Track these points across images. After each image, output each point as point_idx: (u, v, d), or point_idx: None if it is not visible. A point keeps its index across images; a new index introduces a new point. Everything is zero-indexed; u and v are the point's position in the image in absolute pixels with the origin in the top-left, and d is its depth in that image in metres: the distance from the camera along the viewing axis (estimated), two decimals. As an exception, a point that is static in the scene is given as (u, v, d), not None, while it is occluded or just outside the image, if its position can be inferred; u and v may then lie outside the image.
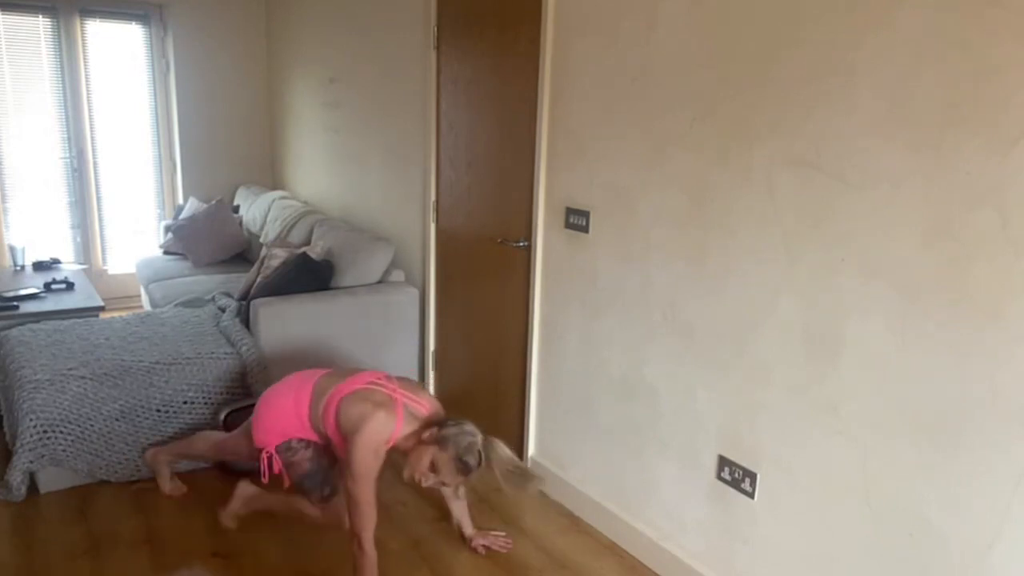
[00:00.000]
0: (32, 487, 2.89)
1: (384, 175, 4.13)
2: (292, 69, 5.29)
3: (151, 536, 2.66)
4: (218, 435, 2.81)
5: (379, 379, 2.46)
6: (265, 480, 2.50)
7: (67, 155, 5.30)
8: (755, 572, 2.24)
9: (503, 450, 2.33)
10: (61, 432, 2.82)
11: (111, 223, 5.58)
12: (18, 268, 4.51)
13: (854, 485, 1.93)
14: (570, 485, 2.93)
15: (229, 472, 3.02)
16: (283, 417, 2.48)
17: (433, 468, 2.31)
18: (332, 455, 2.53)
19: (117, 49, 5.36)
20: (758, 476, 2.19)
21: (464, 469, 2.29)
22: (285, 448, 2.48)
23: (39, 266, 4.54)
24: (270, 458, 2.48)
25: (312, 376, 2.54)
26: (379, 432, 2.29)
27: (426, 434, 2.32)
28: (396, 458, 2.42)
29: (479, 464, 2.30)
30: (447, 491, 2.62)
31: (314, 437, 2.49)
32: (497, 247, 3.20)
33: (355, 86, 4.36)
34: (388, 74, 3.95)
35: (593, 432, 2.80)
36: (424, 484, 2.34)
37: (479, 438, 2.32)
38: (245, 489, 2.66)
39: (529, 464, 3.14)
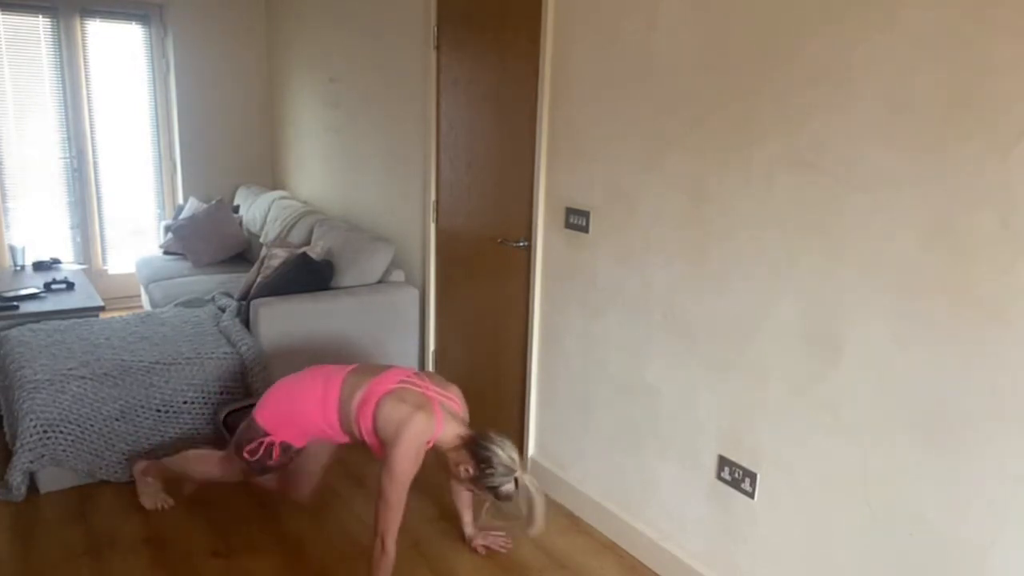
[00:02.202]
0: (32, 487, 2.89)
1: (384, 175, 4.13)
2: (292, 69, 5.29)
3: (151, 536, 2.66)
4: (214, 454, 2.69)
5: (409, 377, 2.44)
6: (249, 460, 2.49)
7: (67, 155, 5.30)
8: (755, 572, 2.24)
9: (536, 494, 2.30)
10: (61, 432, 2.82)
11: (111, 223, 5.58)
12: (18, 268, 4.51)
13: (854, 485, 1.93)
14: (570, 485, 2.93)
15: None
16: (306, 412, 2.45)
17: (471, 489, 2.42)
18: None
19: (117, 49, 5.35)
20: (758, 476, 2.19)
21: (499, 501, 2.35)
22: (285, 448, 2.48)
23: (39, 266, 4.54)
24: (271, 445, 2.47)
25: (338, 373, 2.50)
26: (421, 436, 2.29)
27: (462, 466, 2.33)
28: (434, 455, 2.42)
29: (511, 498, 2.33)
30: (455, 487, 2.62)
31: (343, 437, 2.49)
32: (497, 247, 3.20)
33: (355, 86, 4.36)
34: (388, 74, 3.96)
35: (593, 432, 2.80)
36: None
37: (513, 483, 2.28)
38: (138, 467, 2.82)
39: (529, 464, 3.14)
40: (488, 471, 2.27)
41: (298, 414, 2.47)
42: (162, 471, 2.80)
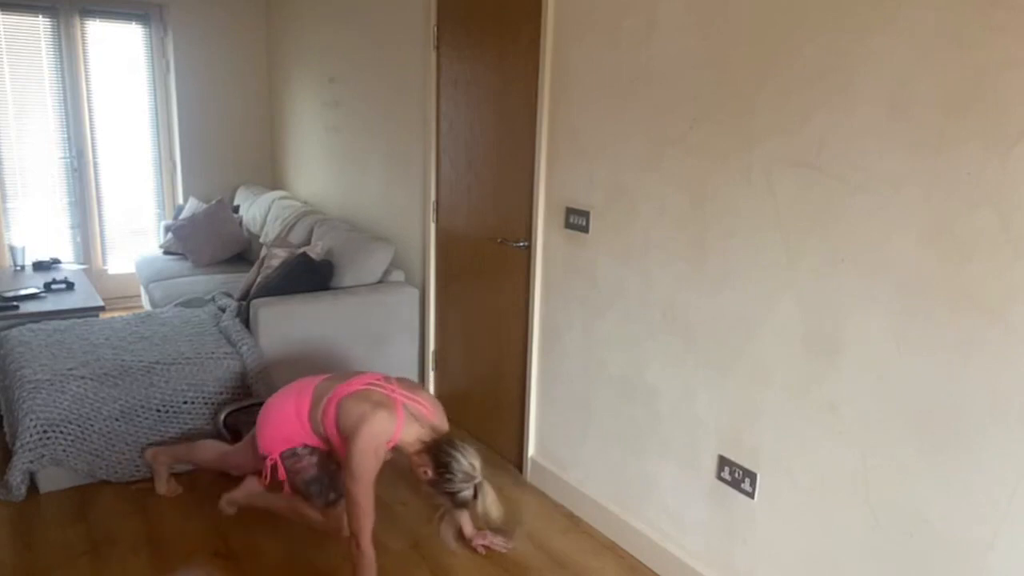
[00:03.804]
0: (32, 487, 2.89)
1: (384, 175, 4.13)
2: (292, 69, 5.29)
3: (151, 536, 2.66)
4: (222, 446, 2.79)
5: (378, 380, 2.47)
6: (265, 485, 2.53)
7: (67, 155, 5.30)
8: (755, 572, 2.24)
9: (492, 505, 2.34)
10: (61, 432, 2.82)
11: (111, 223, 5.58)
12: (18, 268, 4.51)
13: (854, 485, 1.93)
14: (570, 485, 2.93)
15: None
16: (285, 423, 2.48)
17: (430, 493, 2.42)
18: (336, 461, 2.52)
19: (117, 49, 5.36)
20: (758, 476, 2.19)
21: (455, 507, 2.39)
22: (290, 454, 2.48)
23: (39, 266, 4.54)
24: (274, 465, 2.47)
25: (312, 381, 2.54)
26: (379, 432, 2.30)
27: (421, 468, 2.34)
28: (398, 457, 2.42)
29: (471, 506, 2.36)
30: None
31: (317, 442, 2.49)
32: (497, 247, 3.20)
33: (355, 86, 4.36)
34: (388, 74, 3.96)
35: (593, 432, 2.80)
36: None
37: (471, 491, 2.30)
38: (253, 484, 2.70)
39: (529, 465, 3.14)
40: (447, 476, 2.28)
41: (279, 427, 2.49)
42: (172, 455, 2.84)
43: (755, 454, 2.19)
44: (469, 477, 2.28)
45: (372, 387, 2.42)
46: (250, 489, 2.70)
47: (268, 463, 2.48)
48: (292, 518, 2.62)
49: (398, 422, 2.33)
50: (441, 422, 2.47)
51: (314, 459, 2.49)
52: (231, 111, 5.69)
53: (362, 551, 2.28)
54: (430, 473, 2.32)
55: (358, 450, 2.27)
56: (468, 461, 2.29)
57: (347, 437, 2.33)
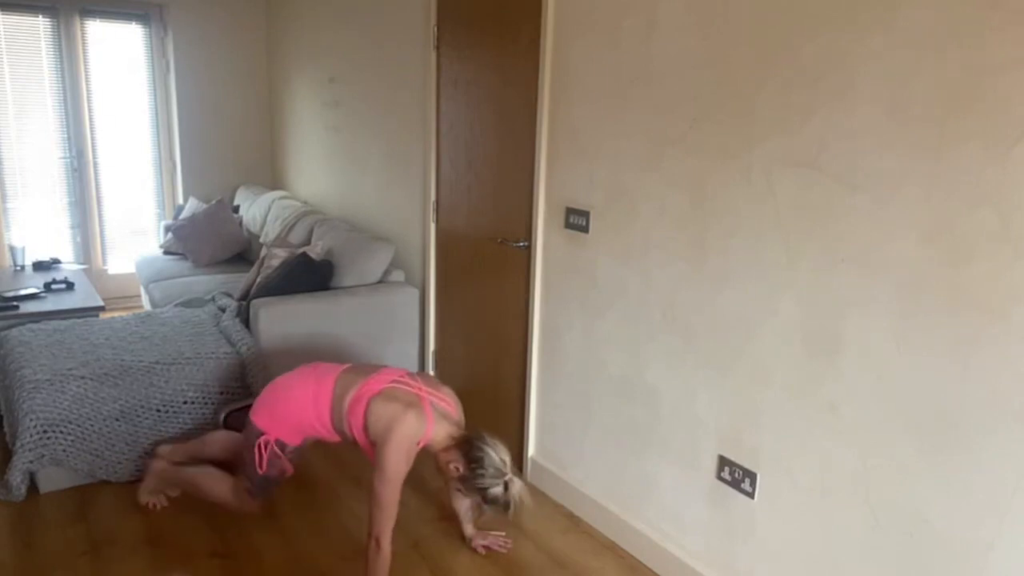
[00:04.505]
0: (32, 487, 2.89)
1: (384, 175, 4.13)
2: (292, 69, 5.29)
3: (151, 536, 2.66)
4: (229, 437, 2.76)
5: (402, 377, 2.45)
6: (262, 468, 2.49)
7: (67, 155, 5.30)
8: (755, 572, 2.24)
9: (522, 496, 2.34)
10: (61, 432, 2.82)
11: (111, 223, 5.58)
12: (18, 268, 4.51)
13: (854, 485, 1.93)
14: (570, 485, 2.93)
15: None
16: (300, 410, 2.46)
17: (459, 489, 2.45)
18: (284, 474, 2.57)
19: (117, 49, 5.36)
20: (758, 476, 2.19)
21: (485, 504, 2.36)
22: (281, 446, 2.49)
23: (39, 266, 4.54)
24: (266, 444, 2.47)
25: (331, 372, 2.51)
26: (411, 435, 2.30)
27: (452, 464, 2.34)
28: (423, 455, 2.42)
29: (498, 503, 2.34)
30: (453, 489, 2.62)
31: (334, 436, 2.49)
32: (497, 247, 3.20)
33: (355, 86, 4.36)
34: (388, 74, 3.96)
35: (593, 432, 2.80)
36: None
37: (502, 487, 2.30)
38: (157, 465, 2.79)
39: (529, 465, 3.14)
40: (479, 471, 2.28)
41: (292, 412, 2.48)
42: (174, 477, 2.78)
43: (755, 454, 2.19)
44: (500, 473, 2.29)
45: (397, 384, 2.41)
46: (157, 471, 2.79)
47: (262, 440, 2.47)
48: (197, 494, 2.68)
49: (428, 421, 2.33)
50: (461, 417, 2.48)
51: (287, 465, 2.54)
52: (231, 111, 5.69)
53: (382, 551, 2.27)
54: (461, 469, 2.32)
55: (390, 453, 2.27)
56: (499, 456, 2.30)
57: (377, 439, 2.32)
